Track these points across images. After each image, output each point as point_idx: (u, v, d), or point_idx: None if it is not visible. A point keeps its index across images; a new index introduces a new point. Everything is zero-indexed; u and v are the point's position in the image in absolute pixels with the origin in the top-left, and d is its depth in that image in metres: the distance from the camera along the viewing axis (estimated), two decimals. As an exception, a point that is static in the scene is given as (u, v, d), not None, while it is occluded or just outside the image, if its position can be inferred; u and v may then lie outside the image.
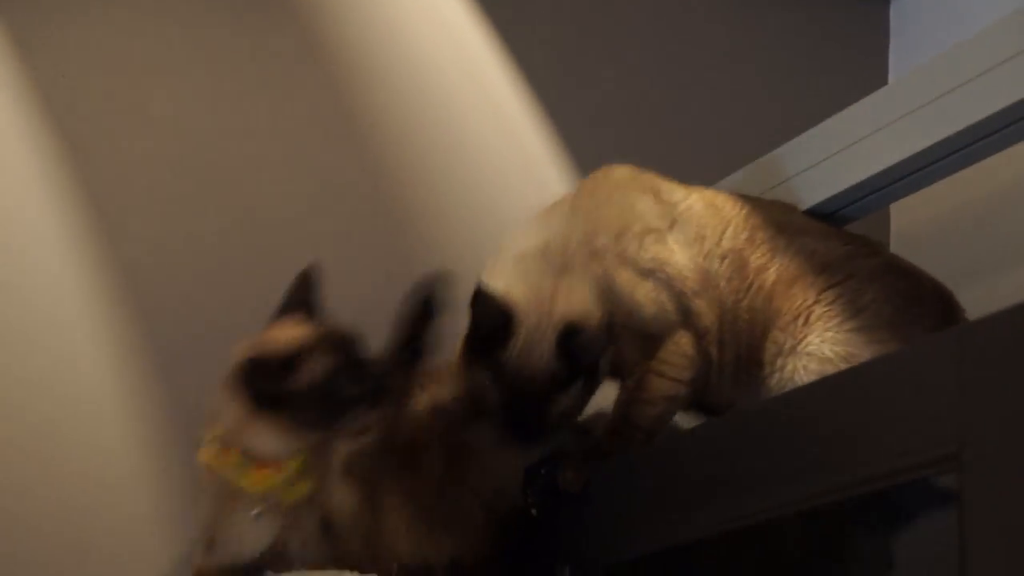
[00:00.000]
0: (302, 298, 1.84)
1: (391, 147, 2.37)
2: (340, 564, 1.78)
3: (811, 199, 2.14)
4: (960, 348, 1.35)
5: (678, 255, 1.95)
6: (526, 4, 2.54)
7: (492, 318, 1.86)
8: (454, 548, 1.89)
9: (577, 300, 1.89)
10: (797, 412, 1.59)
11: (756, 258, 1.96)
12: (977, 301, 1.85)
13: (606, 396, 1.98)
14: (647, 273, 1.93)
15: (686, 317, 1.93)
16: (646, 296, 1.92)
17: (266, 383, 1.71)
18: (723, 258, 1.96)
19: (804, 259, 1.93)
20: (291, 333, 1.76)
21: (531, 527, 1.96)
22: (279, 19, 2.36)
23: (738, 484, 1.62)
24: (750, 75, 2.66)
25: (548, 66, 2.50)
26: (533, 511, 1.93)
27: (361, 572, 1.75)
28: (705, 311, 1.94)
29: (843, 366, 1.83)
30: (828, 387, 1.63)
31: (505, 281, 1.91)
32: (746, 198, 2.06)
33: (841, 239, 1.99)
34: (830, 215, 2.14)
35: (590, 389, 1.94)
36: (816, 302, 1.89)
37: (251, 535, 1.77)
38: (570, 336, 1.86)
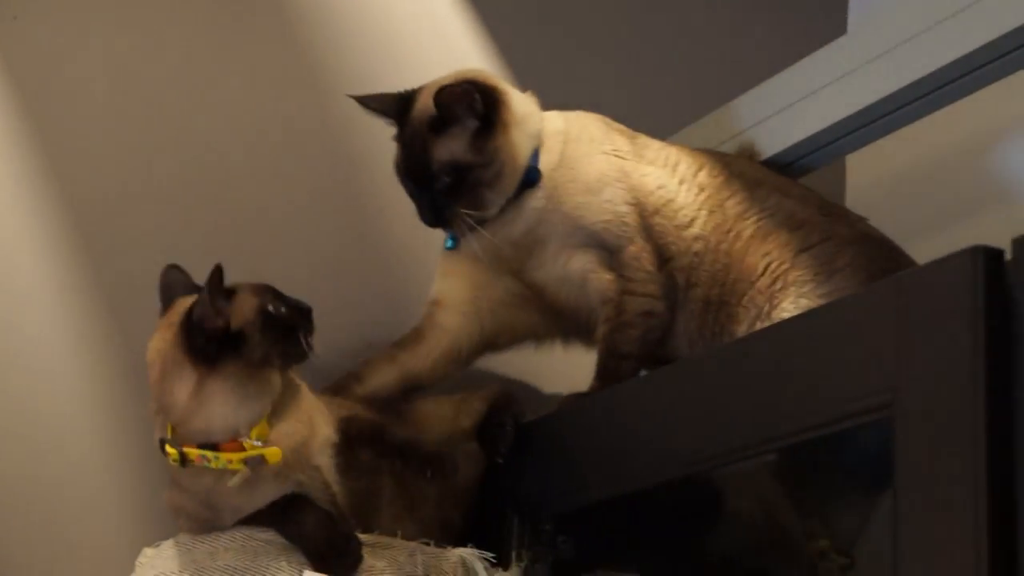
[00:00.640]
0: (186, 285, 1.79)
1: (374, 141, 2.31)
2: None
3: (768, 149, 2.13)
4: (898, 296, 1.36)
5: (649, 177, 1.97)
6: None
7: None
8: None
9: None
10: (741, 361, 1.60)
11: (733, 205, 1.95)
12: (934, 253, 1.84)
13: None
14: (609, 181, 1.95)
15: (647, 232, 1.95)
16: (607, 202, 1.94)
17: (205, 335, 1.69)
18: (701, 189, 1.97)
19: (783, 217, 1.92)
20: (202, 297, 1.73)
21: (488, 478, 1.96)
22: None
23: (684, 433, 1.63)
24: (706, 25, 2.63)
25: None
26: (499, 460, 1.93)
27: None
28: (670, 231, 1.95)
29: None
30: (771, 337, 1.63)
31: None
32: (718, 153, 2.07)
33: (818, 204, 1.98)
34: (787, 166, 2.13)
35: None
36: (792, 265, 1.88)
37: (241, 498, 1.77)
38: None
